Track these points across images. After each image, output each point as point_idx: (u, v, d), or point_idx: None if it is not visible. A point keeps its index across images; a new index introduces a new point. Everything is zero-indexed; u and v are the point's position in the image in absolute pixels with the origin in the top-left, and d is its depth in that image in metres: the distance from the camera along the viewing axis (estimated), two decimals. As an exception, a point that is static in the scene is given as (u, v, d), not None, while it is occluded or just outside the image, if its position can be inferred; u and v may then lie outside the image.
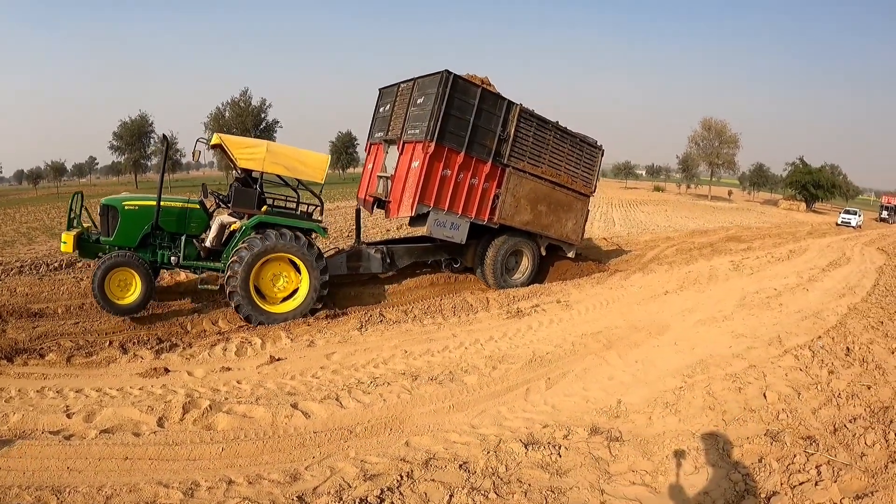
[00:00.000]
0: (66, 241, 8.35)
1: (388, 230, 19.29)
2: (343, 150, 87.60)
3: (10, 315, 8.64)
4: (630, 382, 6.16)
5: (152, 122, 72.82)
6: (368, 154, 12.32)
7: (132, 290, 8.34)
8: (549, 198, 11.38)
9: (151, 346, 7.40)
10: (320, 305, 8.96)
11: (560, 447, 4.64)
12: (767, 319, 8.50)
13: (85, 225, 9.10)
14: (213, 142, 9.04)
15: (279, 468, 4.45)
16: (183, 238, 8.83)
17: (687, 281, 10.94)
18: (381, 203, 11.07)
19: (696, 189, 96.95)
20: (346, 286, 10.76)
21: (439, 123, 9.60)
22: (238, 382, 6.28)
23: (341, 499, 3.95)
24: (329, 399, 5.70)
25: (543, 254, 11.81)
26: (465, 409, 5.59)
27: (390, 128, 11.07)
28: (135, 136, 69.81)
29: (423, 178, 9.74)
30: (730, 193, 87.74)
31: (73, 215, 8.81)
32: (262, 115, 66.73)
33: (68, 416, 5.36)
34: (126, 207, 8.63)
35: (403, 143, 10.36)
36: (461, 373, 6.43)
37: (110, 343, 7.47)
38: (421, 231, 10.58)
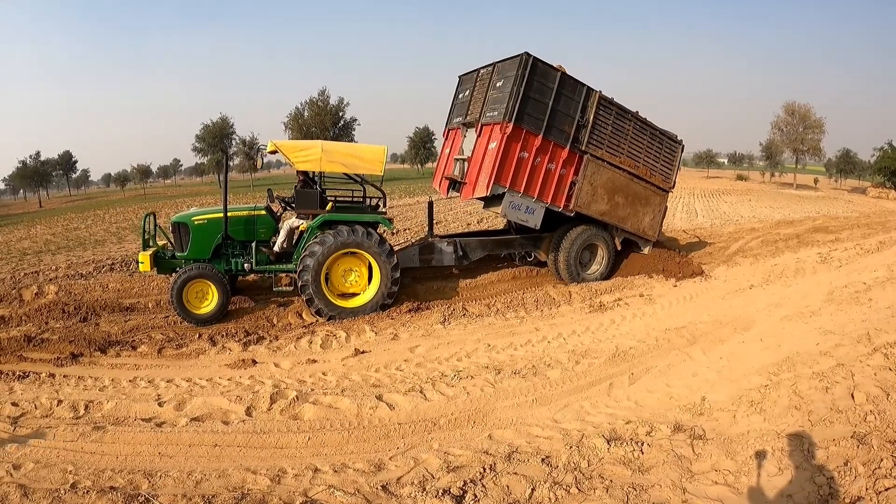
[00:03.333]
0: (143, 261, 8.72)
1: (468, 224, 19.34)
2: (421, 145, 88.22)
3: (103, 309, 9.16)
4: (714, 379, 5.97)
5: (233, 124, 75.29)
6: (446, 140, 12.28)
7: (209, 300, 8.69)
8: (627, 189, 11.09)
9: (239, 339, 7.71)
10: (391, 301, 9.03)
11: (643, 444, 4.55)
12: (856, 315, 8.06)
13: (160, 243, 9.52)
14: (269, 149, 9.26)
15: (364, 458, 4.55)
16: (253, 245, 9.09)
17: (773, 274, 10.51)
18: (455, 186, 10.99)
19: (781, 177, 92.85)
20: (428, 280, 10.86)
21: (518, 105, 9.50)
22: (323, 374, 6.48)
23: (424, 489, 4.00)
24: (413, 391, 5.80)
25: (619, 248, 11.50)
26: (547, 404, 5.56)
27: (469, 111, 11.00)
28: (217, 137, 72.28)
29: (499, 158, 9.64)
30: (816, 181, 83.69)
31: (147, 236, 9.21)
32: (340, 114, 67.49)
33: (160, 405, 5.65)
34: (196, 222, 9.01)
35: (482, 126, 10.28)
36: (544, 367, 6.41)
37: (200, 336, 7.83)
38: (496, 213, 10.49)
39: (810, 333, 7.29)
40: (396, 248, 10.02)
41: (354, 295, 9.11)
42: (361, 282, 9.07)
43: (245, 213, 9.26)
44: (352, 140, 66.63)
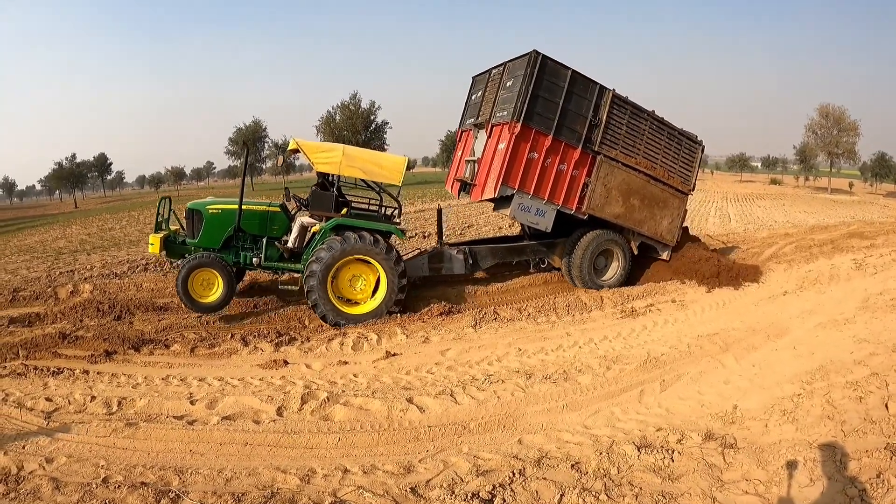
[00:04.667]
0: (153, 243, 8.85)
1: (500, 227, 19.30)
2: (453, 148, 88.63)
3: (137, 308, 9.31)
4: (747, 387, 5.88)
5: (265, 127, 76.39)
6: (459, 141, 12.12)
7: (214, 289, 8.74)
8: (643, 191, 10.77)
9: (271, 340, 7.77)
10: (398, 308, 8.93)
11: (673, 451, 4.50)
12: (891, 323, 7.87)
13: (173, 228, 9.62)
14: (290, 147, 9.30)
15: (393, 460, 4.57)
16: (264, 240, 9.13)
17: (807, 280, 10.33)
18: (466, 188, 10.79)
19: (815, 181, 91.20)
20: (459, 283, 10.82)
21: (526, 104, 9.32)
22: (354, 376, 6.52)
23: (453, 492, 4.00)
24: (444, 395, 5.80)
25: (636, 252, 11.16)
26: (578, 409, 5.54)
27: (480, 112, 10.82)
28: (250, 140, 73.31)
29: (508, 159, 9.47)
30: (851, 185, 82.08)
31: (160, 219, 9.35)
32: (372, 118, 67.89)
33: (192, 403, 5.74)
34: (210, 211, 9.07)
35: (492, 126, 10.11)
36: (575, 372, 6.38)
37: (232, 336, 7.89)
38: (505, 214, 10.24)
39: (844, 342, 7.15)
40: (412, 255, 9.98)
41: (361, 301, 9.03)
42: (368, 289, 8.99)
43: (261, 207, 9.32)
44: (383, 143, 67.07)
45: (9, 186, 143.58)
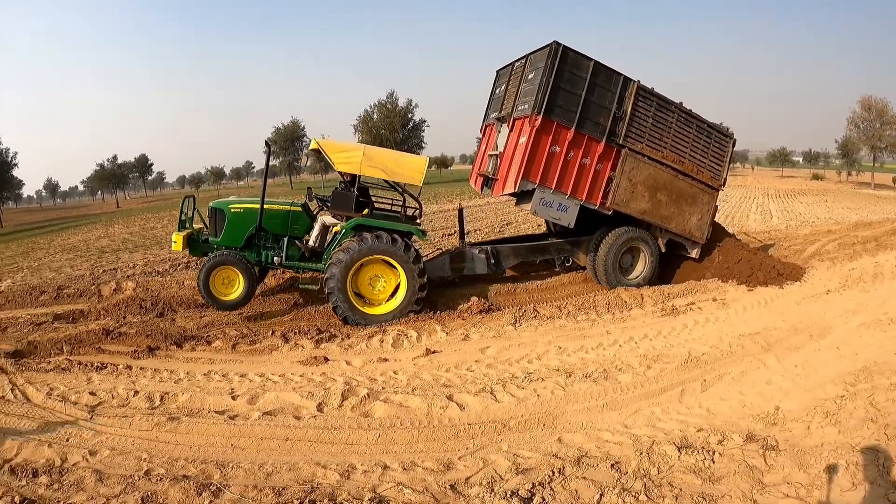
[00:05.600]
0: (177, 241, 9.03)
1: (539, 225, 19.24)
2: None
3: (180, 305, 9.53)
4: (789, 388, 5.78)
5: (304, 127, 77.07)
6: (483, 136, 11.88)
7: (235, 287, 8.91)
8: (671, 186, 10.47)
9: (311, 336, 7.86)
10: (418, 308, 8.90)
11: (714, 453, 4.46)
12: (937, 323, 7.69)
13: (197, 226, 9.81)
14: (311, 146, 9.35)
15: (433, 457, 4.60)
16: (286, 239, 9.24)
17: (850, 279, 10.08)
18: (489, 182, 10.61)
19: (858, 176, 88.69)
20: (498, 281, 10.81)
21: (547, 96, 9.14)
22: (394, 373, 6.56)
23: (493, 490, 4.02)
24: (483, 392, 5.81)
25: (663, 250, 10.86)
26: (618, 409, 5.51)
27: (503, 106, 10.64)
28: (288, 140, 74.13)
29: (528, 152, 9.31)
30: (894, 181, 79.72)
31: (184, 217, 9.54)
32: (409, 116, 68.23)
33: (233, 398, 5.84)
34: (232, 210, 9.22)
35: (513, 120, 9.93)
36: (615, 371, 6.33)
37: (273, 332, 8.00)
38: (527, 209, 10.02)
39: (889, 342, 6.99)
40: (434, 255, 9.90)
41: (382, 301, 9.03)
42: (388, 289, 9.00)
43: (283, 207, 9.44)
44: (420, 141, 67.45)
45: (52, 187, 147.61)
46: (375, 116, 67.14)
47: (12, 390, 6.13)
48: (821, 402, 5.38)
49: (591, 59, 9.46)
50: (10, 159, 54.05)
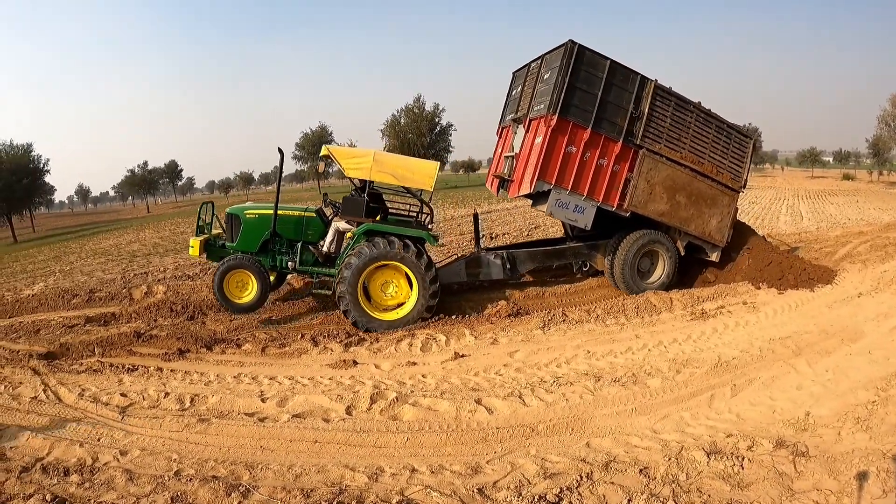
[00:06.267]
0: (194, 246, 9.25)
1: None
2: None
3: (210, 309, 9.66)
4: (820, 393, 5.69)
5: (331, 132, 77.75)
6: (499, 138, 11.73)
7: (249, 290, 9.10)
8: (690, 188, 10.26)
9: (340, 340, 7.95)
10: (430, 314, 8.84)
11: (743, 458, 4.41)
12: (972, 328, 7.52)
13: (215, 232, 10.01)
14: (321, 153, 9.44)
15: (461, 460, 4.63)
16: (299, 245, 9.34)
17: (882, 281, 9.86)
18: (505, 184, 10.45)
19: (889, 176, 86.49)
20: (527, 286, 10.78)
21: (563, 96, 9.03)
22: (423, 376, 6.60)
23: (520, 494, 4.02)
24: (512, 396, 5.81)
25: (682, 253, 10.63)
26: (647, 413, 5.48)
27: (519, 107, 10.56)
28: (316, 145, 74.83)
29: (544, 153, 9.19)
30: (928, 180, 77.65)
31: (201, 223, 9.78)
32: (437, 120, 68.69)
33: (262, 401, 5.92)
34: (248, 216, 9.40)
35: (529, 121, 9.83)
36: (644, 375, 6.30)
37: (302, 336, 8.10)
38: (542, 211, 9.88)
39: (922, 347, 6.88)
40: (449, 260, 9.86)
41: (393, 307, 9.00)
42: (400, 294, 8.98)
43: (296, 213, 9.59)
44: (448, 145, 67.76)
45: (83, 193, 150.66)
46: (403, 121, 67.75)
47: (45, 391, 6.29)
48: (852, 407, 5.30)
49: (607, 58, 9.34)
50: (42, 165, 55.13)
